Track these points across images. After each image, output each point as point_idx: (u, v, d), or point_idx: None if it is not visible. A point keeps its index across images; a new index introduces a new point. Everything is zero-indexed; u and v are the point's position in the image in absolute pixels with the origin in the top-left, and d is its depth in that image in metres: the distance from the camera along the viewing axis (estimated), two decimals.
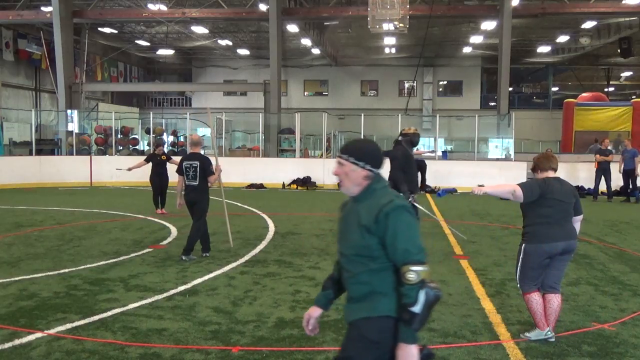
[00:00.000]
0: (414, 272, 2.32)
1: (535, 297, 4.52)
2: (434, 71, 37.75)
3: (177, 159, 12.88)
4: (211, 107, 12.05)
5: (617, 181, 16.07)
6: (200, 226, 7.56)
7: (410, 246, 2.38)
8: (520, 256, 4.59)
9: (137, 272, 6.72)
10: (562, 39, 29.64)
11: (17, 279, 6.35)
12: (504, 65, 22.42)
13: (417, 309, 2.32)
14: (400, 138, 8.19)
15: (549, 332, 4.53)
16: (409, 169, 7.88)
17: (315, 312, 2.71)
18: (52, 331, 4.68)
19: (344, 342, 2.54)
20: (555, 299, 4.55)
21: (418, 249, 2.39)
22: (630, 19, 25.31)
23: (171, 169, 12.25)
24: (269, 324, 4.94)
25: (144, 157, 13.40)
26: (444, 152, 17.39)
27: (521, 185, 4.59)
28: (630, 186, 15.67)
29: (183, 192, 7.69)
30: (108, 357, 4.17)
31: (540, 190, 4.51)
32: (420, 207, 7.99)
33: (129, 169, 12.87)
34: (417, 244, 2.40)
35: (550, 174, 4.65)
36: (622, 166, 15.54)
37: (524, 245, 4.59)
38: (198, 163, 7.48)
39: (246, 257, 7.63)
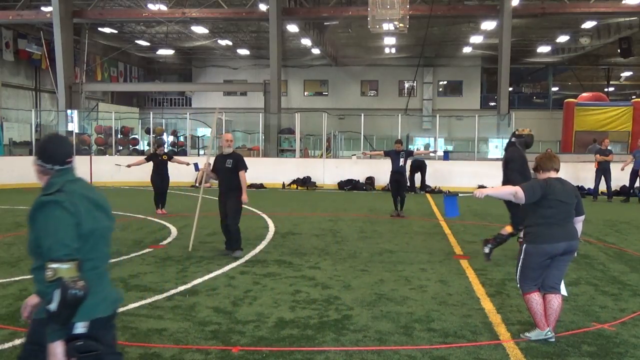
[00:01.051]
0: (50, 270, 2.24)
1: (535, 297, 4.52)
2: (434, 71, 37.73)
3: (180, 158, 12.96)
4: (211, 107, 12.06)
5: (617, 181, 16.06)
6: None
7: (54, 243, 2.29)
8: (521, 256, 4.59)
9: (137, 272, 6.71)
10: (562, 39, 29.61)
11: (17, 279, 6.35)
12: (504, 65, 22.41)
13: (52, 307, 2.23)
14: (513, 139, 7.64)
15: (549, 332, 4.52)
16: (526, 172, 7.28)
17: (32, 300, 2.59)
18: None
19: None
20: (555, 299, 4.55)
21: (61, 245, 2.30)
22: (630, 19, 25.30)
23: (171, 168, 12.32)
24: (269, 324, 4.94)
25: (145, 156, 13.43)
26: (446, 153, 17.22)
27: (522, 186, 4.59)
28: (637, 185, 15.65)
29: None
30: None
31: (542, 191, 4.50)
32: None
33: (128, 166, 12.89)
34: (61, 240, 2.31)
35: (552, 174, 4.65)
36: (632, 166, 15.55)
37: (525, 245, 4.58)
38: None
39: (246, 257, 7.63)
